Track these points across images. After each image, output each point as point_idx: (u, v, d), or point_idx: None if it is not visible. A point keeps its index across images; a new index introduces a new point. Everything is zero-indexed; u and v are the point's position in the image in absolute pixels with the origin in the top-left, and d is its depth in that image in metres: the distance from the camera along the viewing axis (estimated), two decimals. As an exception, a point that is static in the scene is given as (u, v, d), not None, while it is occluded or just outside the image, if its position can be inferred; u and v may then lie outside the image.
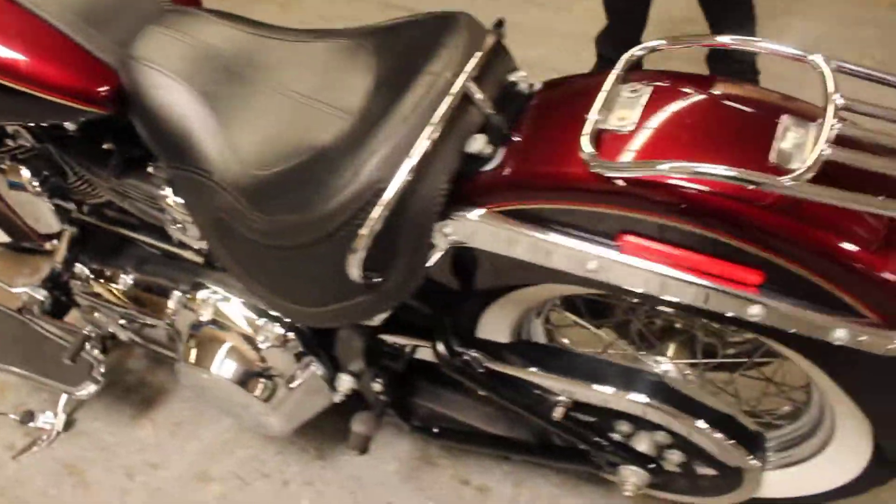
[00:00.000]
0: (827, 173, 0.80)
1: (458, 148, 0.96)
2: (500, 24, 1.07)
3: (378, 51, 1.11)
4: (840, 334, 0.88)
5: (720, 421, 1.12)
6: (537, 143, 0.96)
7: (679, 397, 1.13)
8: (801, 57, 0.89)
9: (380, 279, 1.00)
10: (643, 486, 1.21)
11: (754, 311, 0.90)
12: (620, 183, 0.86)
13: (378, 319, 1.14)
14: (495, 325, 1.23)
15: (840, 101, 0.84)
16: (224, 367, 1.30)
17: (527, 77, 1.04)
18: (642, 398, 1.11)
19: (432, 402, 1.35)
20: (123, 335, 1.55)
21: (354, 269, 0.95)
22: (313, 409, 1.39)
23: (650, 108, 0.91)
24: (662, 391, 1.13)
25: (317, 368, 1.32)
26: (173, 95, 1.12)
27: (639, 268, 0.92)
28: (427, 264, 1.02)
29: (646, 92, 0.93)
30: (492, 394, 1.19)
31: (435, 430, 1.38)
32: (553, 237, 0.94)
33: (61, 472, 1.59)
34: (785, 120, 0.88)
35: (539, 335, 1.30)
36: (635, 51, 0.97)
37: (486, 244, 1.00)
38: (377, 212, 0.92)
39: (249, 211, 1.04)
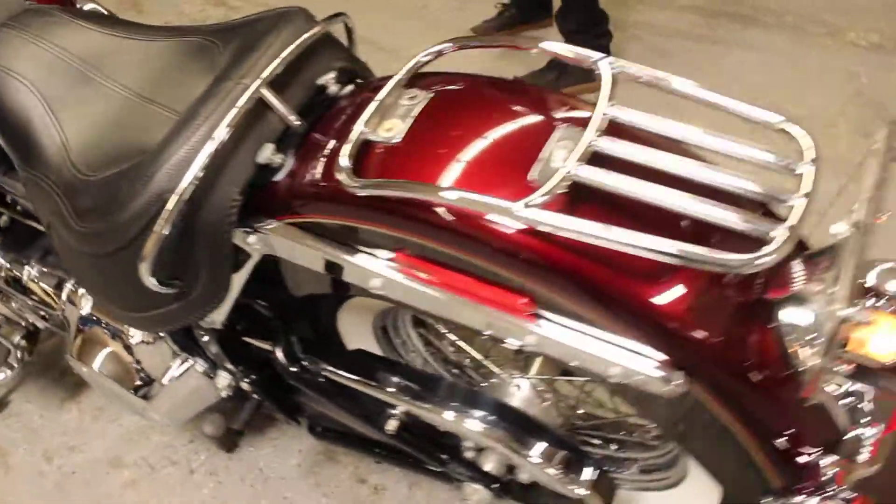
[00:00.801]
0: (583, 194, 0.75)
1: (251, 157, 0.94)
2: (336, 16, 1.04)
3: (222, 49, 1.09)
4: (614, 371, 0.81)
5: (558, 444, 1.07)
6: (319, 152, 0.92)
7: (518, 422, 1.06)
8: (585, 59, 0.83)
9: (184, 288, 1.00)
10: None
11: (530, 340, 0.85)
12: (375, 201, 0.82)
13: (219, 322, 1.13)
14: (354, 332, 1.20)
15: (611, 112, 0.78)
16: (102, 362, 1.33)
17: (335, 78, 1.00)
18: (471, 424, 1.05)
19: (308, 401, 1.34)
20: (40, 324, 1.60)
21: (145, 277, 0.95)
22: (200, 404, 1.40)
23: (422, 119, 0.86)
24: (500, 415, 1.06)
25: (197, 365, 1.32)
26: (20, 98, 1.13)
27: (418, 289, 0.88)
28: (239, 272, 1.01)
29: (423, 100, 0.88)
30: (328, 401, 1.18)
31: (318, 429, 1.38)
32: (338, 253, 0.91)
33: None
34: (561, 130, 0.82)
35: (408, 345, 1.27)
36: (421, 56, 0.92)
37: (288, 255, 0.98)
38: (160, 221, 0.91)
39: (71, 215, 1.04)
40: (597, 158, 0.76)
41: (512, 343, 0.86)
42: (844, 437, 0.83)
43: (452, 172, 0.81)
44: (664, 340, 0.78)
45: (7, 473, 1.63)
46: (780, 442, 0.83)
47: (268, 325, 1.17)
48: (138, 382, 1.33)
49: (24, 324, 1.63)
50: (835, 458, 0.82)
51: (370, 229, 0.87)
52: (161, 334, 1.28)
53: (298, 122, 0.95)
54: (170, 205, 0.90)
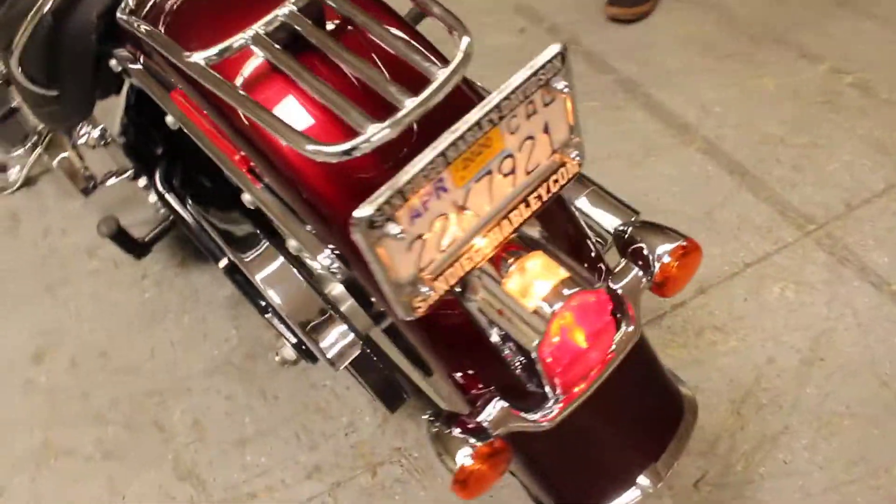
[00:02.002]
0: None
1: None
2: None
3: None
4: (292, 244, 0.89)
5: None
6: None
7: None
8: None
9: (57, 93, 1.14)
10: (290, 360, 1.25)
11: (247, 198, 0.94)
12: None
13: (117, 135, 1.28)
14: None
15: None
16: (59, 161, 1.53)
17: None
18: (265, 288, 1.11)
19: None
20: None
21: (15, 70, 1.10)
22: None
23: None
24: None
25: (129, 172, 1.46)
26: None
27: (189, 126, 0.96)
28: (119, 93, 1.14)
29: None
30: (186, 229, 1.30)
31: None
32: (153, 90, 1.01)
33: (5, 216, 1.97)
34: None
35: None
36: None
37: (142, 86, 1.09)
38: (25, 22, 1.05)
39: None
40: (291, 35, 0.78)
41: (245, 199, 0.94)
42: (529, 391, 0.84)
43: (196, 30, 0.87)
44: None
45: (15, 238, 1.93)
46: (456, 374, 0.85)
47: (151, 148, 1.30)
48: (83, 182, 1.53)
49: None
50: (505, 404, 0.82)
51: (158, 71, 0.96)
52: (102, 142, 1.46)
53: None
54: (34, 11, 1.03)
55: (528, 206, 0.74)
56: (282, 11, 0.78)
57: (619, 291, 0.85)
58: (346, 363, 1.05)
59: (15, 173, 1.98)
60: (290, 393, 1.54)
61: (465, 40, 0.73)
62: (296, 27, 0.77)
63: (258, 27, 0.77)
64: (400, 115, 0.67)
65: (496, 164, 0.68)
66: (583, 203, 1.13)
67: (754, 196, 1.78)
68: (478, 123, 0.64)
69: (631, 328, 0.84)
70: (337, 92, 0.71)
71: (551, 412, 0.81)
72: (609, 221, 1.09)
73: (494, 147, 0.67)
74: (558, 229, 0.85)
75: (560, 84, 0.68)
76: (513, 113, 0.66)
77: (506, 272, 0.75)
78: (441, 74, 0.70)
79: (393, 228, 0.62)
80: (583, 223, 0.92)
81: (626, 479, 0.95)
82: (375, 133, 0.67)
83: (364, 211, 0.61)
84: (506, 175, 0.70)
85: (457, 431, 0.80)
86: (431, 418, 0.82)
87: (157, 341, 1.66)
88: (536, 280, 0.74)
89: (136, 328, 1.69)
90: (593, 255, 0.89)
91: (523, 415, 0.82)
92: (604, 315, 0.78)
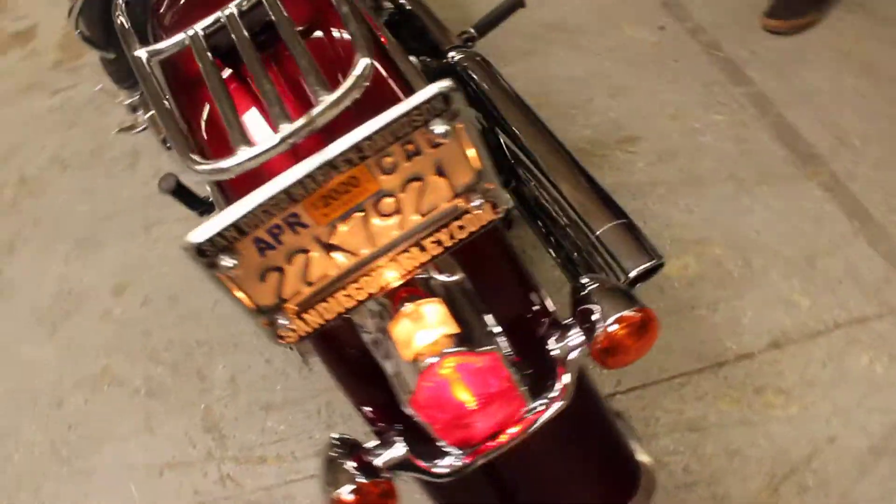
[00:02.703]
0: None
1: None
2: None
3: None
4: None
5: None
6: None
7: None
8: None
9: (112, 55, 1.20)
10: None
11: None
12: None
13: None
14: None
15: None
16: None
17: None
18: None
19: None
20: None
21: (72, 24, 1.16)
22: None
23: None
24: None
25: None
26: None
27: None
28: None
29: None
30: None
31: None
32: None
33: (129, 153, 2.13)
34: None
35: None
36: None
37: None
38: None
39: None
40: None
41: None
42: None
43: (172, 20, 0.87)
44: None
45: (132, 176, 2.08)
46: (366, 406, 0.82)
47: None
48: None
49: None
50: (404, 449, 0.78)
51: None
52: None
53: None
54: None
55: (423, 250, 0.67)
56: (224, 13, 0.76)
57: (553, 354, 0.76)
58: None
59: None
60: (324, 370, 1.56)
61: (362, 63, 0.67)
62: (231, 32, 0.75)
63: (200, 27, 0.76)
64: (264, 147, 0.64)
65: (370, 203, 0.63)
66: (605, 235, 1.04)
67: (871, 248, 1.55)
68: (330, 163, 0.59)
69: (553, 394, 0.75)
70: (231, 108, 0.69)
71: (447, 467, 0.75)
72: (626, 264, 0.99)
73: (364, 187, 0.61)
74: (490, 279, 0.78)
75: (440, 129, 0.60)
76: (383, 153, 0.60)
77: (396, 314, 0.70)
78: (325, 100, 0.65)
79: (226, 261, 0.59)
80: (529, 275, 0.83)
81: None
82: (238, 160, 0.65)
83: (194, 238, 0.58)
84: (387, 216, 0.64)
85: (350, 464, 0.76)
86: (335, 441, 0.79)
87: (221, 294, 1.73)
88: (423, 329, 0.68)
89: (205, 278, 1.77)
90: (535, 310, 0.80)
91: (421, 463, 0.76)
92: (499, 379, 0.70)
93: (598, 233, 1.09)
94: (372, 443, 0.78)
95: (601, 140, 1.87)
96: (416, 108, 0.59)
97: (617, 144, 1.85)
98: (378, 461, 0.76)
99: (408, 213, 0.65)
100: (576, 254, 1.14)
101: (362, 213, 0.63)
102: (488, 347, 0.68)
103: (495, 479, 0.84)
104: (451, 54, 1.39)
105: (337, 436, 0.80)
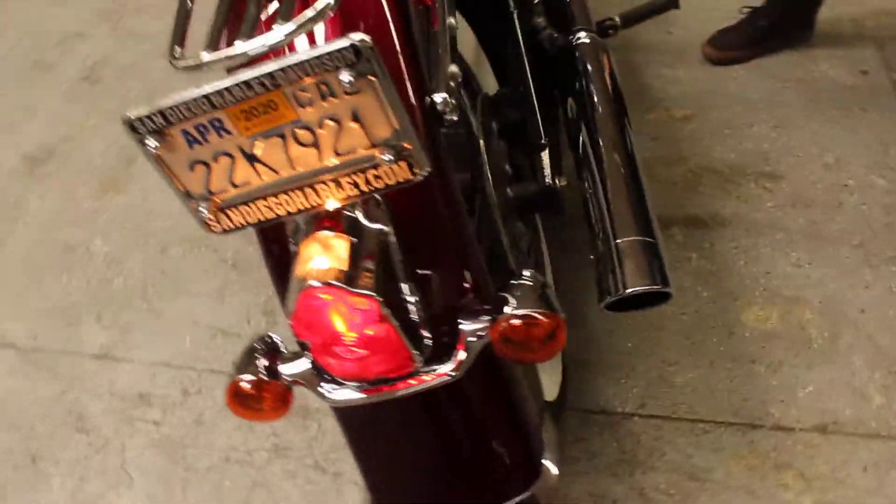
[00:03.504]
0: None
1: None
2: None
3: None
4: None
5: None
6: None
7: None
8: None
9: None
10: None
11: None
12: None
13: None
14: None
15: None
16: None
17: None
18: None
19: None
20: None
21: None
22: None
23: None
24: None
25: None
26: None
27: None
28: None
29: None
30: None
31: None
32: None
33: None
34: None
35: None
36: None
37: None
38: None
39: None
40: None
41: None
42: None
43: None
44: None
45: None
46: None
47: None
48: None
49: None
50: (308, 364, 0.81)
51: None
52: None
53: None
54: None
55: (340, 187, 0.70)
56: None
57: (461, 329, 0.78)
58: None
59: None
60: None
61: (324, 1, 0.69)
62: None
63: None
64: (206, 59, 0.69)
65: (288, 130, 0.67)
66: (624, 246, 1.02)
67: (983, 369, 1.35)
68: (246, 83, 0.63)
69: (443, 366, 0.77)
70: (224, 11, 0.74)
71: (334, 396, 0.79)
72: (629, 279, 0.98)
73: (283, 112, 0.65)
74: (420, 242, 0.79)
75: (345, 77, 0.62)
76: (298, 87, 0.63)
77: (309, 235, 0.74)
78: (280, 29, 0.68)
79: (150, 142, 0.66)
80: (470, 250, 0.83)
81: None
82: (187, 63, 0.70)
83: (131, 113, 0.65)
84: (305, 146, 0.68)
85: (262, 361, 0.82)
86: (263, 338, 0.86)
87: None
88: (322, 256, 0.72)
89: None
90: (458, 284, 0.80)
91: (321, 384, 0.81)
92: (377, 325, 0.72)
93: (618, 241, 1.06)
94: (290, 351, 0.84)
95: (741, 168, 1.76)
96: (328, 53, 0.62)
97: (755, 177, 1.73)
98: (282, 368, 0.81)
99: (325, 148, 0.68)
100: (591, 255, 1.11)
101: (282, 138, 0.67)
102: (369, 292, 0.71)
103: (389, 426, 0.87)
104: (579, 35, 1.38)
105: (270, 335, 0.87)
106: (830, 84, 1.92)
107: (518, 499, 0.87)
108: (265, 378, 0.80)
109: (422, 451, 0.88)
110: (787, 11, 1.95)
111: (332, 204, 0.72)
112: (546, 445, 0.90)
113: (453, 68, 0.83)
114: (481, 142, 1.11)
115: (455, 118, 0.80)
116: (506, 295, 0.77)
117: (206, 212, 0.72)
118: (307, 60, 0.62)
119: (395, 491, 0.89)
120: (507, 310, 0.75)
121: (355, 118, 0.67)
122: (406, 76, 0.80)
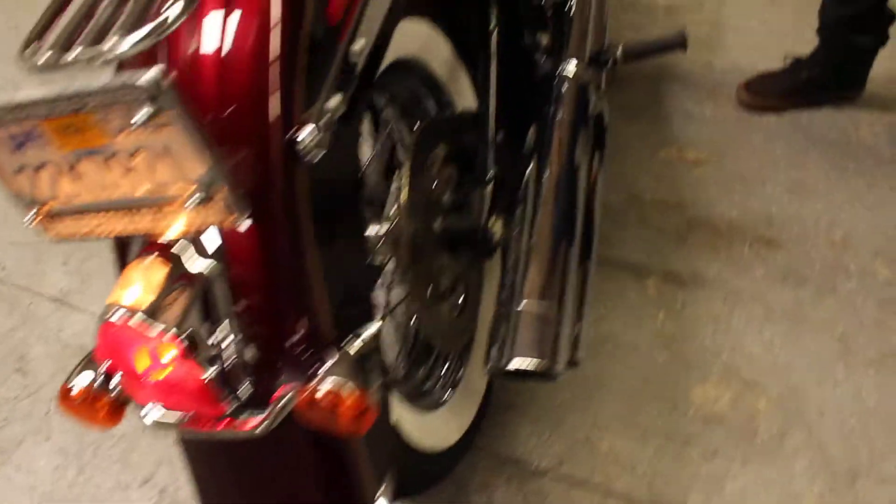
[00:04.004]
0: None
1: None
2: None
3: None
4: None
5: None
6: None
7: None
8: None
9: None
10: None
11: None
12: None
13: None
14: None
15: None
16: None
17: None
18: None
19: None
20: None
21: None
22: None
23: None
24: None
25: None
26: None
27: None
28: None
29: None
30: None
31: None
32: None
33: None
34: None
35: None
36: None
37: None
38: None
39: None
40: None
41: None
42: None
43: None
44: None
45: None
46: None
47: None
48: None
49: None
50: None
51: None
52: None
53: None
54: None
55: (158, 218, 0.66)
56: None
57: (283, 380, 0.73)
58: None
59: None
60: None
61: (174, 9, 0.63)
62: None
63: None
64: (38, 61, 0.64)
65: (104, 154, 0.62)
66: (525, 314, 0.95)
67: (933, 504, 1.23)
68: (53, 99, 0.59)
69: (252, 417, 0.72)
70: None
71: (147, 419, 0.76)
72: (518, 349, 0.92)
73: (96, 134, 0.61)
74: (247, 283, 0.73)
75: (143, 112, 0.57)
76: (106, 112, 0.59)
77: (133, 260, 0.70)
78: (114, 41, 0.63)
79: None
80: (308, 298, 0.77)
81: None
82: (24, 64, 0.66)
83: None
84: (122, 172, 0.63)
85: (102, 367, 0.80)
86: None
87: None
88: (134, 285, 0.68)
89: None
90: (285, 333, 0.75)
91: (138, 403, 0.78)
92: (176, 362, 0.68)
93: (521, 307, 0.99)
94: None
95: (740, 228, 1.64)
96: (122, 86, 0.57)
97: (752, 240, 1.61)
98: (112, 382, 0.78)
99: (139, 178, 0.64)
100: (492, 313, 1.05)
101: (97, 158, 0.63)
102: (173, 329, 0.66)
103: (220, 463, 0.83)
104: (566, 64, 1.29)
105: None
106: (865, 153, 1.76)
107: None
108: (96, 388, 0.77)
109: (240, 495, 0.84)
110: (832, 67, 1.80)
111: (153, 232, 0.68)
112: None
113: (334, 101, 0.76)
114: (404, 172, 1.04)
115: (321, 153, 0.73)
116: (324, 362, 0.72)
117: (35, 217, 0.69)
118: (102, 89, 0.58)
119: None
120: (315, 375, 0.70)
121: (166, 152, 0.62)
122: (267, 103, 0.73)
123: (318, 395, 0.69)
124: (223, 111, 0.69)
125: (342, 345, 0.74)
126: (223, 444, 0.79)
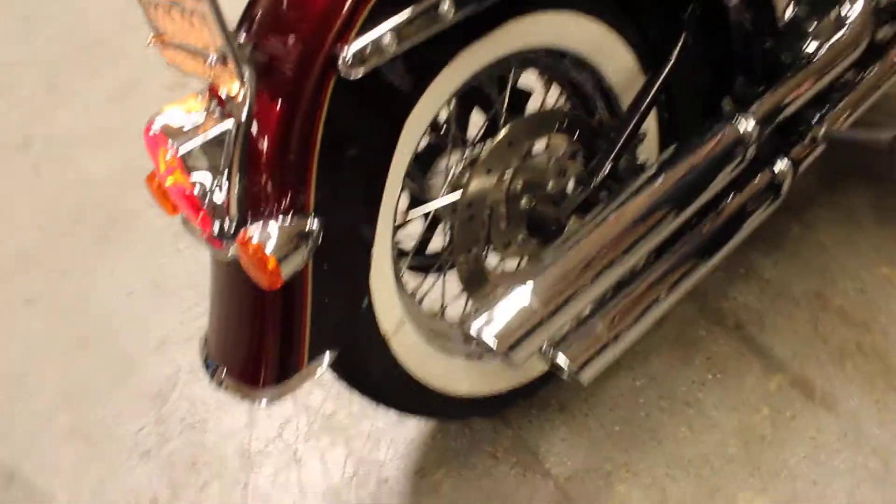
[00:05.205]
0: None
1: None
2: None
3: None
4: None
5: None
6: None
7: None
8: None
9: None
10: None
11: None
12: None
13: None
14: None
15: None
16: None
17: None
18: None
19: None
20: None
21: None
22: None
23: None
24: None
25: None
26: None
27: None
28: None
29: None
30: None
31: None
32: None
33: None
34: None
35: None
36: None
37: None
38: None
39: None
40: None
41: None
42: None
43: None
44: None
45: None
46: None
47: None
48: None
49: None
50: None
51: None
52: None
53: None
54: None
55: (205, 69, 0.87)
56: None
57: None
58: None
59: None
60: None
61: None
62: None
63: None
64: None
65: (180, 6, 0.84)
66: None
67: None
68: None
69: (224, 241, 0.91)
70: None
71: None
72: None
73: None
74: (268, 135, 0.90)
75: None
76: None
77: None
78: None
79: None
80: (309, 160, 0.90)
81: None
82: None
83: None
84: (189, 25, 0.85)
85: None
86: None
87: None
88: (179, 107, 0.90)
89: None
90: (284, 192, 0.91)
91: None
92: (175, 172, 0.88)
93: (517, 292, 1.07)
94: None
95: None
96: None
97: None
98: None
99: (197, 33, 0.85)
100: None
101: (178, 9, 0.85)
102: (172, 142, 0.87)
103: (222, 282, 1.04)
104: (744, 116, 1.24)
105: None
106: None
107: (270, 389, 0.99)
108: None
109: (225, 310, 1.04)
110: None
111: (202, 76, 0.90)
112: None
113: (387, 38, 0.87)
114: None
115: (360, 74, 0.87)
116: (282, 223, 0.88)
117: (154, 39, 0.95)
118: None
119: (212, 339, 1.06)
120: (251, 230, 0.87)
121: (205, 19, 0.83)
122: (325, 14, 0.86)
123: (244, 238, 0.86)
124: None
125: (309, 224, 0.89)
126: (224, 264, 0.98)
